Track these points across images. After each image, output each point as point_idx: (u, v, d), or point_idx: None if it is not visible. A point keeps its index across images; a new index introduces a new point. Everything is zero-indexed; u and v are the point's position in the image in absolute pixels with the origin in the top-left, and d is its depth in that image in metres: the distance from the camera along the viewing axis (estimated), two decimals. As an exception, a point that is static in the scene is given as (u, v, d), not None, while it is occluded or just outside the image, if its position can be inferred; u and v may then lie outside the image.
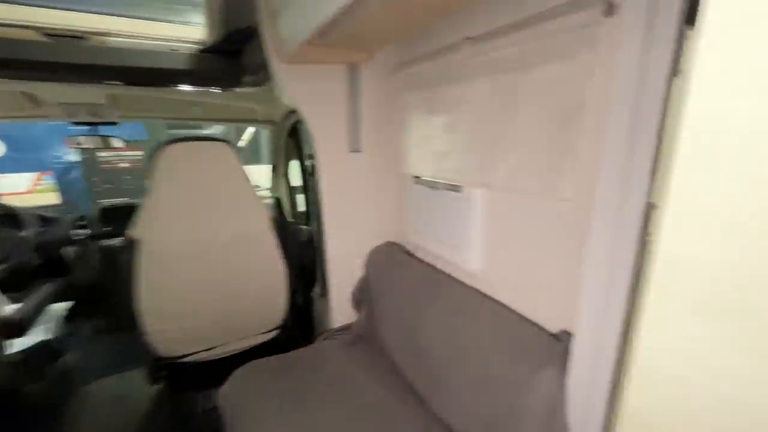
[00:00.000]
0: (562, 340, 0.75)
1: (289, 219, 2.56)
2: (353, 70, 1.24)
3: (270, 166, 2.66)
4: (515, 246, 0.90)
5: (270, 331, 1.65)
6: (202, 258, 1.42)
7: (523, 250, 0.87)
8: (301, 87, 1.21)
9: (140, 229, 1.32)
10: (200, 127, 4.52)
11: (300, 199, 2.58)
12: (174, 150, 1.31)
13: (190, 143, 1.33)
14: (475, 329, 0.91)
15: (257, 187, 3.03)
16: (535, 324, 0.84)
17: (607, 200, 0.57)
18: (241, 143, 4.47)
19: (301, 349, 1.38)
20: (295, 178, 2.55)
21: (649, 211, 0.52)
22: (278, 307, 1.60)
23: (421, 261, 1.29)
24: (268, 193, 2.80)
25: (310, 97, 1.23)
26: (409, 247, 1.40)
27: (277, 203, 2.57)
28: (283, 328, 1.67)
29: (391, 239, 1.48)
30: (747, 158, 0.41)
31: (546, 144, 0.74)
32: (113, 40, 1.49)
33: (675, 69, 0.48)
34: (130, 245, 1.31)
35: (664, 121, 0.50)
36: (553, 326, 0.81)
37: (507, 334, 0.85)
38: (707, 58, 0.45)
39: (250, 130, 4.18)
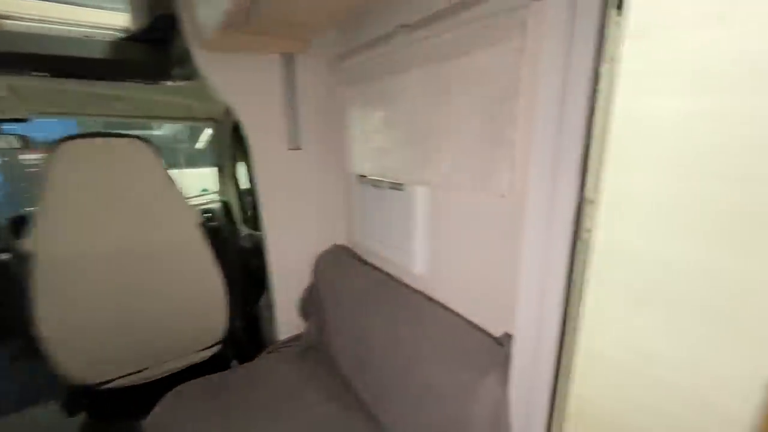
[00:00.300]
0: (503, 344, 0.72)
1: (240, 224, 2.41)
2: (288, 60, 1.15)
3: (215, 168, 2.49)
4: (458, 246, 0.86)
5: (209, 347, 1.51)
6: (113, 271, 1.26)
7: (466, 250, 0.84)
8: (230, 78, 1.10)
9: (33, 239, 1.14)
10: (150, 128, 4.14)
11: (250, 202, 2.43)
12: (73, 147, 1.15)
13: (94, 140, 1.17)
14: (419, 337, 0.87)
15: (205, 190, 2.83)
16: (479, 328, 0.81)
17: (539, 195, 0.53)
18: (200, 144, 4.17)
19: (243, 366, 1.27)
20: (244, 179, 2.40)
21: (583, 205, 0.49)
22: (217, 320, 1.46)
23: (369, 265, 1.22)
24: (217, 197, 2.63)
25: (241, 90, 1.12)
26: (358, 251, 1.33)
27: (224, 207, 2.41)
28: (225, 343, 1.53)
29: (340, 242, 1.40)
30: (679, 149, 0.38)
31: (480, 137, 0.70)
32: (13, 24, 1.30)
33: (603, 56, 0.45)
34: (25, 259, 1.12)
35: (593, 112, 0.46)
36: (498, 329, 0.77)
37: (451, 341, 0.81)
38: (636, 45, 0.42)
39: (209, 130, 3.91)
